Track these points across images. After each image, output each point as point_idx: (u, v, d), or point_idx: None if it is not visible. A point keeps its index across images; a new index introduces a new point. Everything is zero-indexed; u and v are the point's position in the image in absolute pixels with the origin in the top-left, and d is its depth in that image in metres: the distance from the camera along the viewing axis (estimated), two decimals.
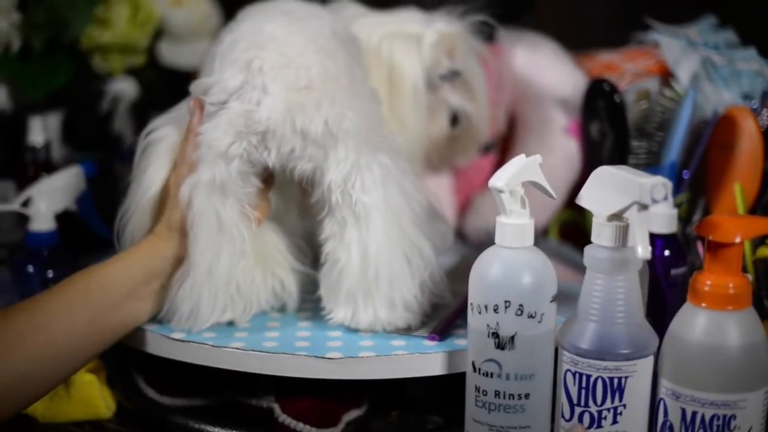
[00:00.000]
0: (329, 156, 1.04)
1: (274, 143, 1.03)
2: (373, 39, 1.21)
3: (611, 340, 0.89)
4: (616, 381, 0.89)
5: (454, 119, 1.27)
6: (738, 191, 1.13)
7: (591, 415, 0.90)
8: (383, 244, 1.04)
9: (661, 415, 0.89)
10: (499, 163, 1.37)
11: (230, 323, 1.09)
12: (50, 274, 1.20)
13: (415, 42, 1.21)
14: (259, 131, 1.02)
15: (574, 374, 0.90)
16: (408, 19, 1.24)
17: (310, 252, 1.15)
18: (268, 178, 1.09)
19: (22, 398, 0.97)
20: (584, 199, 0.92)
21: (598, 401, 0.90)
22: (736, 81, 1.24)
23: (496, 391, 0.93)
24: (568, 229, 1.44)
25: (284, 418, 1.06)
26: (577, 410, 0.90)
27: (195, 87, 1.07)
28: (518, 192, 0.92)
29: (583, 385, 0.90)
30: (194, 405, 1.10)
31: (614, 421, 0.90)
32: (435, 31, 1.22)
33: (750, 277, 0.89)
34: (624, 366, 0.89)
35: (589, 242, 0.91)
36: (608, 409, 0.90)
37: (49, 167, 1.40)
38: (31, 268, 1.21)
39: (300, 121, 1.02)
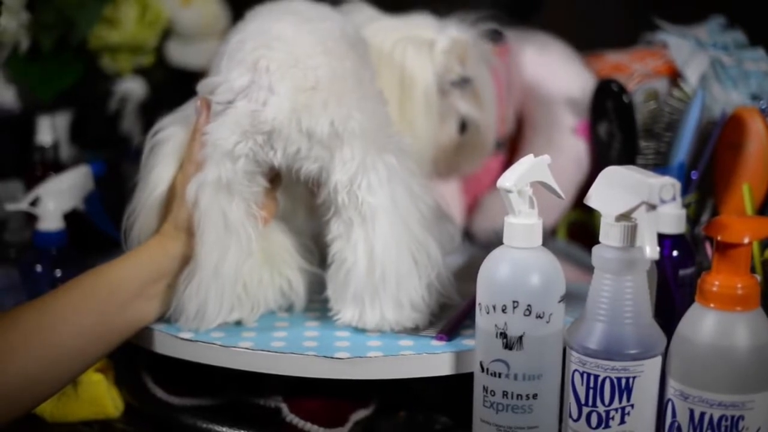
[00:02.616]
0: (335, 157, 1.04)
1: (280, 143, 1.03)
2: (386, 43, 1.21)
3: (619, 340, 0.89)
4: (624, 381, 0.89)
5: (463, 126, 1.27)
6: (746, 192, 1.12)
7: (599, 415, 0.90)
8: (390, 245, 1.04)
9: (669, 416, 0.89)
10: (508, 163, 1.37)
11: (238, 323, 1.09)
12: (59, 273, 1.20)
13: (427, 47, 1.21)
14: (265, 131, 1.02)
15: (582, 374, 0.90)
16: (421, 25, 1.23)
17: (317, 252, 1.15)
18: (275, 177, 1.09)
19: (31, 398, 0.97)
20: (592, 199, 0.92)
21: (606, 401, 0.89)
22: (745, 81, 1.24)
23: (503, 391, 0.93)
24: (577, 230, 1.44)
25: (292, 418, 1.06)
26: (585, 410, 0.90)
27: (202, 86, 1.07)
28: (526, 192, 0.92)
29: (591, 385, 0.90)
30: (202, 404, 1.11)
31: (622, 421, 0.90)
32: (448, 37, 1.21)
33: (758, 277, 0.88)
34: (632, 366, 0.89)
35: (597, 242, 0.91)
36: (616, 409, 0.90)
37: (57, 167, 1.40)
38: (39, 268, 1.21)
39: (306, 122, 1.02)
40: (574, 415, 0.91)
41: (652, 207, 0.87)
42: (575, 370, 0.91)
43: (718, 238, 0.86)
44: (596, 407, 0.90)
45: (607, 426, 0.90)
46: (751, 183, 1.13)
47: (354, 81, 1.05)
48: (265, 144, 1.03)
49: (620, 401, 0.89)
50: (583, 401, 0.90)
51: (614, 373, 0.89)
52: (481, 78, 1.26)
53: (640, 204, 0.87)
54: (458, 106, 1.25)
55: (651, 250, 0.87)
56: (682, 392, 0.87)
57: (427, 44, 1.21)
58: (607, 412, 0.90)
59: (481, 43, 1.26)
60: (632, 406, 0.89)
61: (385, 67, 1.19)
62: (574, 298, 0.96)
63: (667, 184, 0.86)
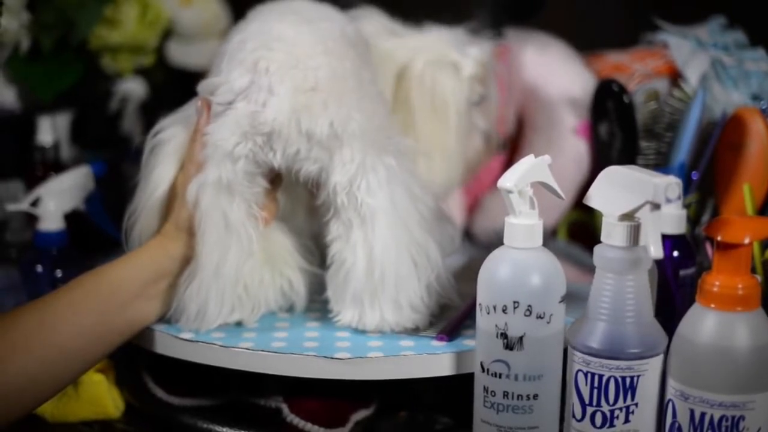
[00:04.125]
0: (334, 158, 1.04)
1: (279, 144, 1.03)
2: (413, 67, 1.21)
3: (622, 340, 0.89)
4: (628, 380, 0.89)
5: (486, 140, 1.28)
6: (747, 192, 1.12)
7: (603, 414, 0.90)
8: (389, 246, 1.04)
9: (669, 416, 0.89)
10: (508, 163, 1.37)
11: (239, 323, 1.09)
12: (59, 273, 1.20)
13: (454, 71, 1.21)
14: (265, 132, 1.02)
15: (585, 374, 0.90)
16: (443, 45, 1.23)
17: (318, 252, 1.15)
18: (276, 178, 1.09)
19: (32, 399, 0.97)
20: (593, 199, 0.92)
21: (611, 401, 0.89)
22: (745, 81, 1.24)
23: (504, 391, 0.93)
24: (577, 230, 1.44)
25: (292, 418, 1.06)
26: (589, 410, 0.90)
27: (202, 87, 1.07)
28: (527, 192, 0.92)
29: (596, 384, 0.90)
30: (202, 405, 1.11)
31: (626, 420, 0.90)
32: (473, 60, 1.22)
33: (759, 278, 0.88)
34: (636, 365, 0.89)
35: (597, 243, 0.91)
36: (621, 408, 0.90)
37: (58, 167, 1.40)
38: (40, 268, 1.21)
39: (306, 123, 1.02)
40: (578, 415, 0.91)
41: (657, 206, 0.87)
42: (579, 370, 0.91)
43: (719, 238, 0.86)
44: (601, 407, 0.90)
45: (611, 425, 0.90)
46: (751, 183, 1.13)
47: (354, 82, 1.05)
48: (264, 145, 1.03)
49: (625, 400, 0.89)
50: (587, 401, 0.90)
51: (619, 372, 0.89)
52: (492, 92, 1.27)
53: (645, 203, 0.87)
54: (478, 123, 1.26)
55: (655, 250, 0.87)
56: (683, 392, 0.87)
57: (453, 67, 1.21)
58: (612, 412, 0.90)
59: (491, 58, 1.26)
60: (636, 404, 0.90)
61: (416, 95, 1.20)
62: (574, 298, 0.96)
63: (672, 183, 0.87)
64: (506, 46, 1.40)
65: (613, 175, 0.91)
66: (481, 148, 1.27)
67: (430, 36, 1.25)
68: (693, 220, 1.17)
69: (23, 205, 1.23)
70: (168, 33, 1.59)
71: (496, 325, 0.92)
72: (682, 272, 1.07)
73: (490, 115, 1.27)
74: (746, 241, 0.85)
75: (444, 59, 1.22)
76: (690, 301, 0.89)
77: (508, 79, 1.40)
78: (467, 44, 1.23)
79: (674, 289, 1.07)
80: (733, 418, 0.85)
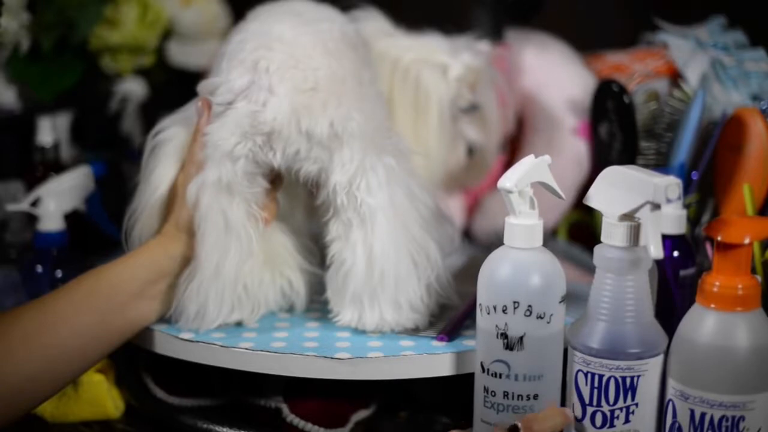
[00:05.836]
0: (334, 158, 1.04)
1: (279, 144, 1.03)
2: (400, 64, 1.21)
3: (623, 340, 0.89)
4: (628, 380, 0.89)
5: (469, 151, 1.27)
6: (747, 192, 1.12)
7: (603, 414, 0.90)
8: (388, 246, 1.04)
9: (669, 416, 0.89)
10: (508, 163, 1.37)
11: (239, 323, 1.09)
12: (59, 274, 1.20)
13: (441, 72, 1.22)
14: (265, 132, 1.02)
15: (585, 374, 0.90)
16: (435, 47, 1.23)
17: (318, 252, 1.15)
18: (276, 178, 1.09)
19: (31, 398, 0.97)
20: (593, 199, 0.92)
21: (611, 401, 0.90)
22: (745, 82, 1.23)
23: (504, 391, 0.93)
24: (577, 230, 1.44)
25: (292, 419, 1.06)
26: (589, 410, 0.90)
27: (202, 87, 1.07)
28: (527, 193, 0.92)
29: (596, 385, 0.90)
30: (202, 405, 1.11)
31: (626, 420, 0.90)
32: (461, 63, 1.22)
33: (759, 278, 0.88)
34: (636, 365, 0.89)
35: (597, 243, 0.91)
36: (621, 409, 0.90)
37: (58, 167, 1.40)
38: (40, 268, 1.21)
39: (305, 123, 1.02)
40: (578, 415, 0.91)
41: (657, 206, 0.87)
42: (579, 370, 0.91)
43: (719, 238, 0.86)
44: (601, 407, 0.90)
45: (611, 425, 0.90)
46: (751, 183, 1.13)
47: (353, 82, 1.06)
48: (264, 145, 1.03)
49: (625, 400, 0.89)
50: (587, 401, 0.90)
51: (619, 372, 0.89)
52: (488, 103, 1.27)
53: (645, 203, 0.87)
54: (466, 132, 1.26)
55: (655, 250, 0.87)
56: (683, 393, 0.87)
57: (441, 69, 1.21)
58: (612, 412, 0.90)
59: (490, 67, 1.26)
60: (636, 404, 0.90)
61: (399, 89, 1.20)
62: (574, 298, 0.96)
63: (672, 184, 0.87)
64: (507, 47, 1.40)
65: (613, 175, 0.91)
66: (463, 160, 1.27)
67: (427, 39, 1.25)
68: (693, 221, 1.17)
69: (23, 206, 1.23)
70: (168, 33, 1.59)
71: (496, 325, 0.92)
72: (682, 272, 1.08)
73: (486, 129, 1.27)
74: (746, 241, 0.85)
75: (433, 59, 1.22)
76: (690, 302, 0.89)
77: (509, 79, 1.40)
78: (462, 50, 1.23)
79: (674, 289, 1.07)
80: (733, 418, 0.86)
